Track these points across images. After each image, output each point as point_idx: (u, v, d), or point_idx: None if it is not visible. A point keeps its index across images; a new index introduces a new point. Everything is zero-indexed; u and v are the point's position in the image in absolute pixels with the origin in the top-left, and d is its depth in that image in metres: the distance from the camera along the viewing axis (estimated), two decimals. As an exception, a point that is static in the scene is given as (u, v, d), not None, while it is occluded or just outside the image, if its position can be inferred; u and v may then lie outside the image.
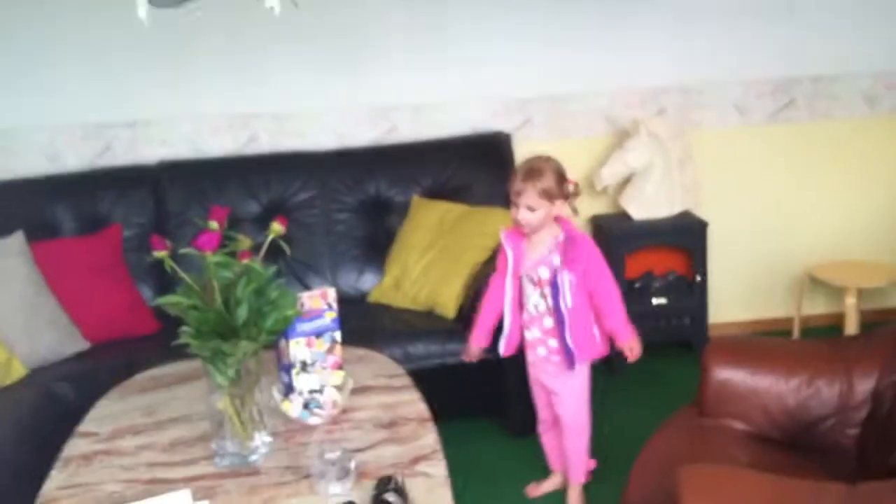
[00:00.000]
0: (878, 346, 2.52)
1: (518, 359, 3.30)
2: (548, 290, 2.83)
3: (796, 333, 4.24)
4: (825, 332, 4.28)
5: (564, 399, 2.95)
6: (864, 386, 2.46)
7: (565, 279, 2.79)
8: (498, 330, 2.98)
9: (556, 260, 2.81)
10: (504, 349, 2.97)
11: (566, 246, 2.82)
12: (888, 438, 2.32)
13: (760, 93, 4.27)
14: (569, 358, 2.85)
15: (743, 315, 4.46)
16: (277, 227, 2.32)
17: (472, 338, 3.02)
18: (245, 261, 2.18)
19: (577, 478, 3.04)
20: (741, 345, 2.64)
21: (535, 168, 2.82)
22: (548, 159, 2.88)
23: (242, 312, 2.14)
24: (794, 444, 2.49)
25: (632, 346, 2.87)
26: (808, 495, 1.87)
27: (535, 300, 2.88)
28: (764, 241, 4.41)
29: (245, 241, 2.24)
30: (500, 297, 2.93)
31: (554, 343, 2.89)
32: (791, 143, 4.34)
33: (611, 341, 2.93)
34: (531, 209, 2.78)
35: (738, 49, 4.22)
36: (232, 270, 2.17)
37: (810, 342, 2.66)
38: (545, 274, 2.82)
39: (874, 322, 4.02)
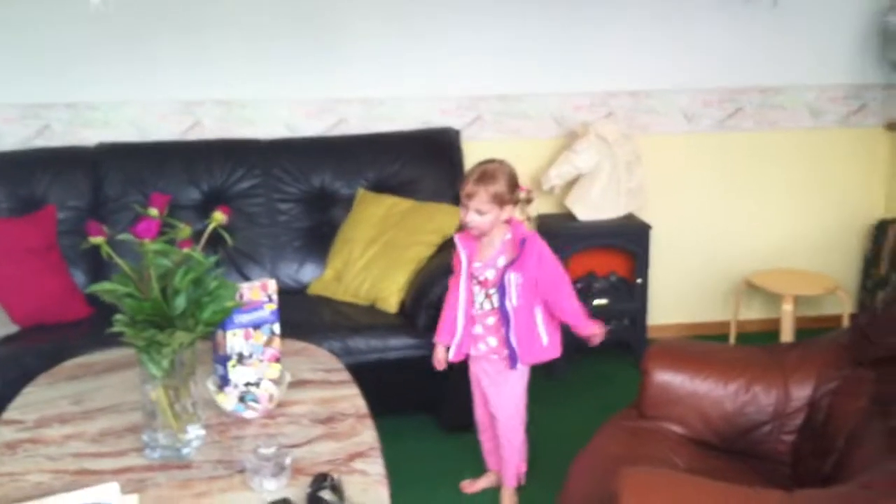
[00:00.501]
0: (814, 354, 2.55)
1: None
2: (493, 291, 2.82)
3: (733, 338, 4.30)
4: (760, 338, 4.35)
5: (499, 401, 2.94)
6: (800, 393, 2.49)
7: (511, 280, 2.78)
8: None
9: (502, 261, 2.80)
10: (454, 354, 2.94)
11: (515, 247, 2.80)
12: (823, 446, 2.34)
13: (708, 101, 4.32)
14: (511, 357, 2.84)
15: (681, 318, 4.50)
16: (219, 216, 2.26)
17: (438, 341, 2.98)
18: (185, 250, 2.12)
19: (510, 481, 3.04)
20: (681, 349, 2.65)
21: (489, 172, 2.80)
22: (501, 163, 2.86)
23: (180, 302, 2.08)
24: (730, 449, 2.51)
25: (594, 333, 2.91)
26: (744, 501, 1.88)
27: (481, 299, 2.87)
28: (705, 247, 4.46)
29: (185, 230, 2.18)
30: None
31: (494, 342, 2.87)
32: (736, 152, 4.39)
33: (571, 332, 2.96)
34: (480, 213, 2.77)
35: (689, 57, 4.26)
36: (171, 259, 2.11)
37: (749, 348, 2.68)
38: (491, 275, 2.81)
39: (809, 329, 4.10)
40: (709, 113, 4.33)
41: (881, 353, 2.34)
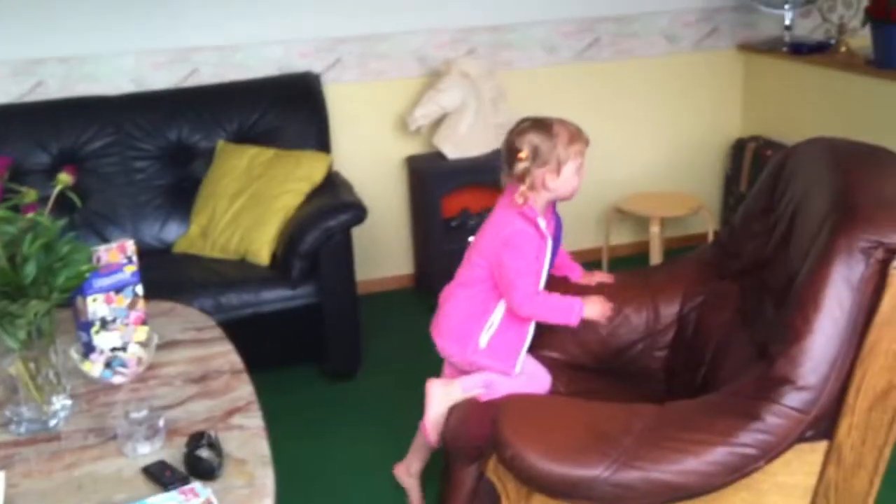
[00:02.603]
0: (679, 272, 2.63)
1: (334, 301, 3.26)
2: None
3: (605, 264, 4.39)
4: (632, 261, 4.46)
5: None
6: (668, 311, 2.56)
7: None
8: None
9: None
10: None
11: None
12: (693, 359, 2.43)
13: (566, 32, 4.34)
14: None
15: (555, 249, 4.57)
16: (65, 178, 2.14)
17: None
18: (30, 215, 2.01)
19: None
20: (552, 278, 2.68)
21: None
22: None
23: (30, 270, 1.97)
24: (607, 370, 2.57)
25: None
26: (620, 417, 1.93)
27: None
28: (573, 176, 4.51)
29: (30, 194, 2.06)
30: None
31: None
32: (597, 82, 4.45)
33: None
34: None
35: (544, -12, 4.27)
36: (16, 226, 2.00)
37: (618, 273, 2.74)
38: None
39: (678, 249, 4.25)
40: (568, 44, 4.36)
41: (741, 266, 2.43)
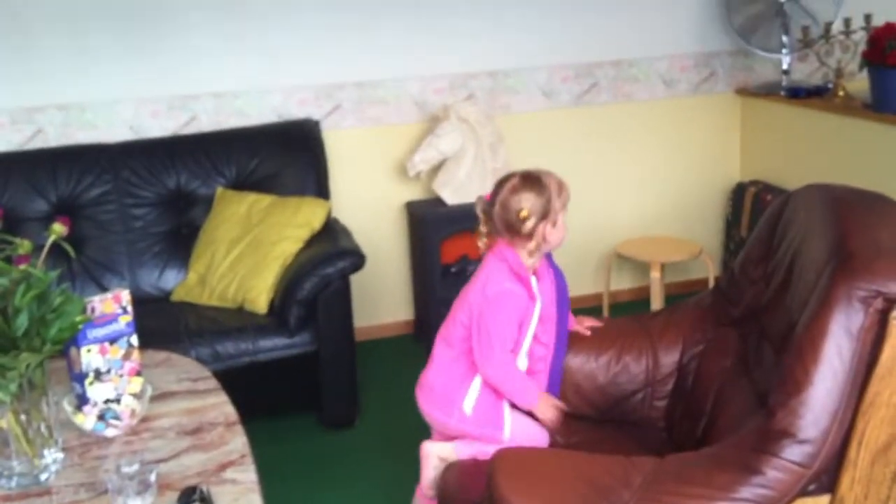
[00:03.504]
0: (679, 319, 2.60)
1: (331, 349, 3.23)
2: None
3: (606, 309, 4.37)
4: (633, 306, 4.44)
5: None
6: (668, 359, 2.54)
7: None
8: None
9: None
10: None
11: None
12: (692, 408, 2.40)
13: (565, 77, 4.37)
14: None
15: (556, 294, 4.55)
16: (58, 228, 2.13)
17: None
18: (23, 266, 2.00)
19: None
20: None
21: None
22: None
23: (22, 322, 1.95)
24: (606, 420, 2.54)
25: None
26: (619, 470, 1.89)
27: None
28: (573, 221, 4.41)
29: (24, 245, 2.06)
30: None
31: None
32: (596, 126, 4.46)
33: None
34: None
35: (543, 35, 4.29)
36: (8, 277, 1.98)
37: (617, 320, 2.72)
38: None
39: (679, 294, 4.22)
40: (567, 88, 4.38)
41: (740, 312, 2.41)
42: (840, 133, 3.98)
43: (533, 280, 2.32)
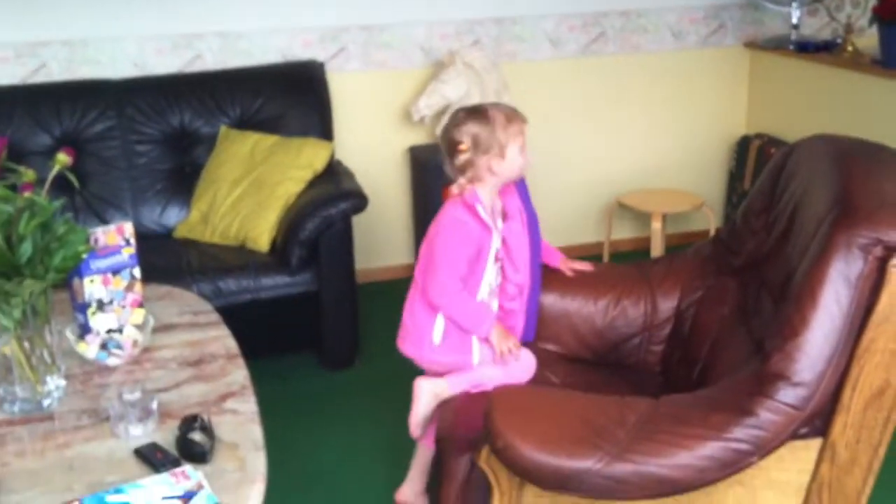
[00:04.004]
0: (679, 267, 2.62)
1: (332, 289, 3.24)
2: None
3: (606, 258, 4.38)
4: (633, 256, 4.45)
5: None
6: (666, 305, 2.56)
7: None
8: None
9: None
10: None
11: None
12: (689, 354, 2.42)
13: (572, 26, 4.33)
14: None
15: (556, 242, 4.47)
16: (63, 158, 2.13)
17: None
18: (27, 194, 2.00)
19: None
20: (551, 269, 2.67)
21: None
22: None
23: (26, 249, 1.97)
24: (604, 363, 2.57)
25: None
26: (614, 410, 1.92)
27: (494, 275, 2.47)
28: (577, 171, 4.51)
29: (28, 174, 2.06)
30: None
31: None
32: (602, 76, 4.44)
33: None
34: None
35: (552, -20, 4.25)
36: (12, 205, 1.99)
37: (617, 265, 2.74)
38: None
39: (678, 245, 4.22)
40: (573, 38, 4.34)
41: (741, 262, 2.42)
42: (848, 88, 3.96)
43: (481, 209, 2.33)
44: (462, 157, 2.32)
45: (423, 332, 2.42)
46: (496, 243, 2.37)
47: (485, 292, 2.40)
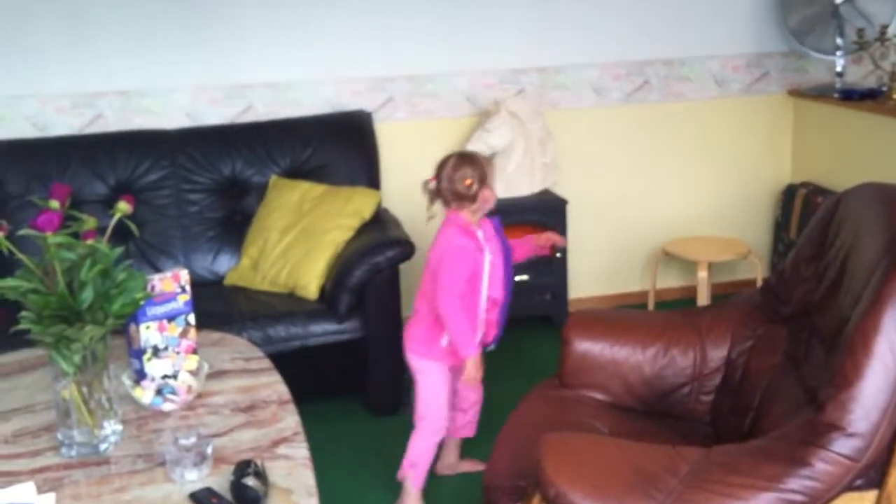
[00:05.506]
0: (728, 315, 2.61)
1: (379, 336, 3.27)
2: None
3: (651, 306, 4.36)
4: (678, 305, 4.43)
5: (417, 392, 2.93)
6: (716, 354, 2.54)
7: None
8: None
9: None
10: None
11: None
12: (741, 404, 2.40)
13: (616, 74, 4.37)
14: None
15: (601, 290, 4.56)
16: (124, 207, 2.19)
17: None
18: (89, 241, 2.06)
19: (415, 482, 2.92)
20: (600, 317, 2.68)
21: None
22: None
23: (87, 295, 2.02)
24: (651, 413, 2.55)
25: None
26: (665, 459, 1.91)
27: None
28: (621, 219, 4.52)
29: (89, 221, 2.11)
30: None
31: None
32: (646, 124, 4.46)
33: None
34: None
35: (596, 32, 4.30)
36: (75, 252, 2.05)
37: (665, 313, 2.73)
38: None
39: (724, 294, 4.18)
40: (617, 86, 4.38)
41: (791, 310, 2.41)
42: (893, 136, 3.94)
43: (479, 232, 2.79)
44: (473, 189, 2.75)
45: (433, 340, 2.83)
46: (488, 261, 2.80)
47: (483, 305, 2.82)
